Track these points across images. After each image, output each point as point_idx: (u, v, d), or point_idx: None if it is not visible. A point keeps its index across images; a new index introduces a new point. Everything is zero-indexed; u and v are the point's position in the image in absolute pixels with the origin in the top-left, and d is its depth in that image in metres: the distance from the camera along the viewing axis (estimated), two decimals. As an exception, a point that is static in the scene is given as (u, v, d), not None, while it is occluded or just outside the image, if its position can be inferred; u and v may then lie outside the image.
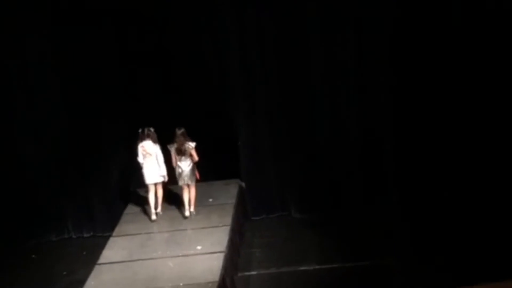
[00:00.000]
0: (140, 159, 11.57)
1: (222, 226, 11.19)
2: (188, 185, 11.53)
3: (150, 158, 11.51)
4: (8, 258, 12.01)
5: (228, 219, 11.40)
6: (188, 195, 11.57)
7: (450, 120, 12.07)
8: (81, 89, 12.18)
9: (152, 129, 11.55)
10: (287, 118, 12.34)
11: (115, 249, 10.90)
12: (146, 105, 12.54)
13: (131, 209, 12.22)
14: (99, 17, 11.95)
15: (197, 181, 11.64)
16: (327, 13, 11.86)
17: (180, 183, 11.54)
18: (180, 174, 11.45)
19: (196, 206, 11.67)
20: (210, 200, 12.24)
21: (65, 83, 12.21)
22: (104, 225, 12.49)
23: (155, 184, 11.69)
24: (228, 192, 12.45)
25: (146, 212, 11.90)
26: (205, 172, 12.39)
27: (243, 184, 12.68)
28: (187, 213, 11.59)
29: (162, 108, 12.59)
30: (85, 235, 12.70)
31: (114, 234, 11.47)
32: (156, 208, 11.74)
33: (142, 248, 10.83)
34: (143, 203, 12.18)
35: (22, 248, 12.32)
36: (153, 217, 11.63)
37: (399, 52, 11.90)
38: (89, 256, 11.47)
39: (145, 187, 11.84)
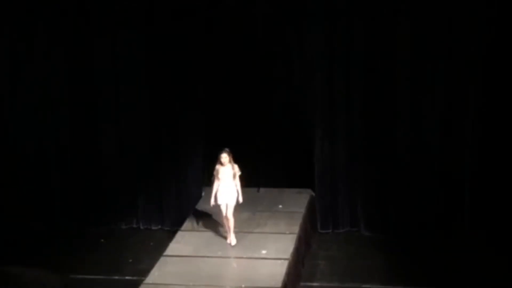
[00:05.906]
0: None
1: (289, 233, 11.12)
2: None
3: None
4: (78, 240, 12.30)
5: (296, 228, 11.32)
6: None
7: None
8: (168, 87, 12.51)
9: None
10: (366, 137, 12.22)
11: (181, 243, 10.99)
12: (223, 113, 12.82)
13: (202, 206, 12.29)
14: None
15: None
16: (417, 46, 11.79)
17: None
18: None
19: None
20: (280, 206, 12.23)
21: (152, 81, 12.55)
22: (173, 220, 12.59)
23: None
24: (299, 201, 12.39)
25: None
26: (279, 178, 12.70)
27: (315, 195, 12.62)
28: None
29: (242, 116, 12.82)
30: (153, 227, 12.86)
31: (182, 228, 11.57)
32: None
33: (208, 245, 10.88)
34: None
35: (93, 231, 12.60)
36: None
37: (492, 78, 11.71)
38: (156, 247, 11.63)
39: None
